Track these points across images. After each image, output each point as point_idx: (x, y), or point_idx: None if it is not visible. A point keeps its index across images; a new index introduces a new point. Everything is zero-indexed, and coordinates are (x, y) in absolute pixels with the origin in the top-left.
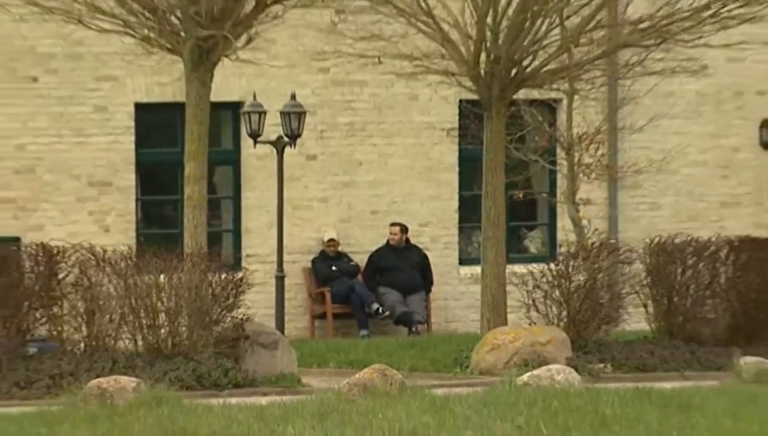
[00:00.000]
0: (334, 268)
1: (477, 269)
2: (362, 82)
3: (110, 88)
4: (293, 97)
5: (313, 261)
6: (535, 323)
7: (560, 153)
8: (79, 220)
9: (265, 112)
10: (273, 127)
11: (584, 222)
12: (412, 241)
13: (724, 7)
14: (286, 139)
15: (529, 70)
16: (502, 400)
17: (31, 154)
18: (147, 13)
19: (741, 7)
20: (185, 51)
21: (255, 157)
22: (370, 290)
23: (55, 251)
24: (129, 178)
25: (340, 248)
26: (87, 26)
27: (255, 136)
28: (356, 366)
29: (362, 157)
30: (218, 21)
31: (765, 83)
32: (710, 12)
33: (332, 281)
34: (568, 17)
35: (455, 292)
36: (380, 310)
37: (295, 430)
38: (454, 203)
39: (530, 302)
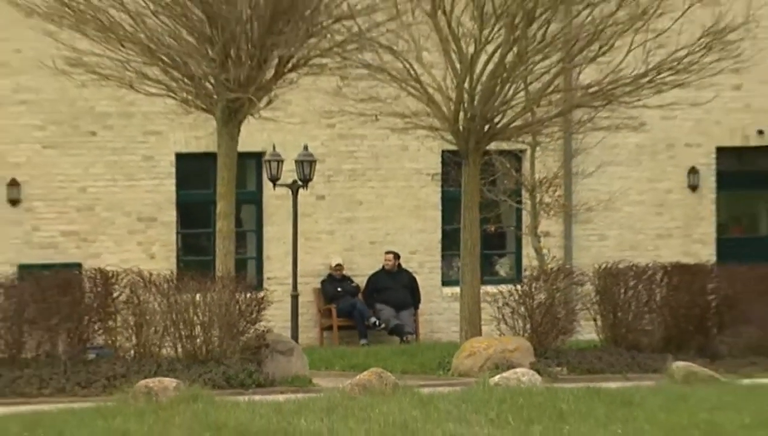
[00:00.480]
0: (339, 288)
1: (456, 290)
2: (362, 135)
3: (155, 140)
4: (306, 148)
5: (322, 283)
6: (504, 334)
7: (525, 194)
8: (130, 249)
9: (282, 161)
10: (289, 173)
11: (544, 251)
12: (403, 266)
13: (658, 75)
14: (299, 182)
15: (499, 126)
16: (478, 397)
17: (90, 195)
18: (186, 80)
19: (672, 75)
20: (217, 111)
21: (274, 198)
22: (369, 307)
23: (110, 275)
24: (171, 215)
25: (344, 272)
26: (137, 90)
27: (274, 180)
28: (357, 369)
29: (362, 197)
30: (244, 86)
31: (692, 137)
32: (647, 79)
33: (337, 299)
34: (530, 83)
35: (439, 308)
36: (377, 323)
37: (307, 422)
38: (438, 235)
39: (500, 316)
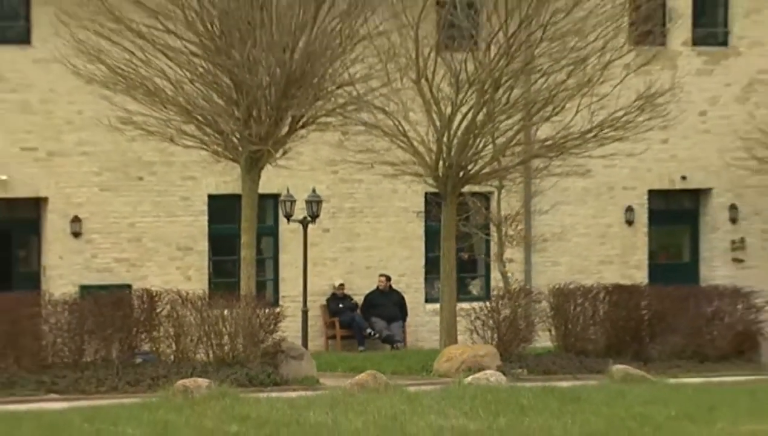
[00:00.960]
0: (341, 305)
1: (437, 306)
2: (360, 180)
3: (192, 184)
4: (314, 190)
5: (327, 300)
6: (475, 342)
7: (492, 228)
8: (171, 273)
9: (295, 201)
10: (300, 210)
11: (509, 274)
12: (394, 287)
13: (601, 131)
14: (309, 218)
15: (471, 172)
16: (454, 394)
17: (139, 228)
18: (216, 135)
19: (612, 131)
20: (241, 160)
21: (288, 231)
22: (365, 320)
23: (154, 294)
24: (204, 245)
25: (345, 291)
26: (176, 143)
27: (288, 216)
28: (356, 371)
29: (360, 230)
30: (264, 140)
31: (628, 182)
32: (592, 134)
33: (340, 313)
34: (497, 138)
35: (422, 321)
36: (372, 333)
37: (315, 415)
38: (422, 261)
39: (473, 328)
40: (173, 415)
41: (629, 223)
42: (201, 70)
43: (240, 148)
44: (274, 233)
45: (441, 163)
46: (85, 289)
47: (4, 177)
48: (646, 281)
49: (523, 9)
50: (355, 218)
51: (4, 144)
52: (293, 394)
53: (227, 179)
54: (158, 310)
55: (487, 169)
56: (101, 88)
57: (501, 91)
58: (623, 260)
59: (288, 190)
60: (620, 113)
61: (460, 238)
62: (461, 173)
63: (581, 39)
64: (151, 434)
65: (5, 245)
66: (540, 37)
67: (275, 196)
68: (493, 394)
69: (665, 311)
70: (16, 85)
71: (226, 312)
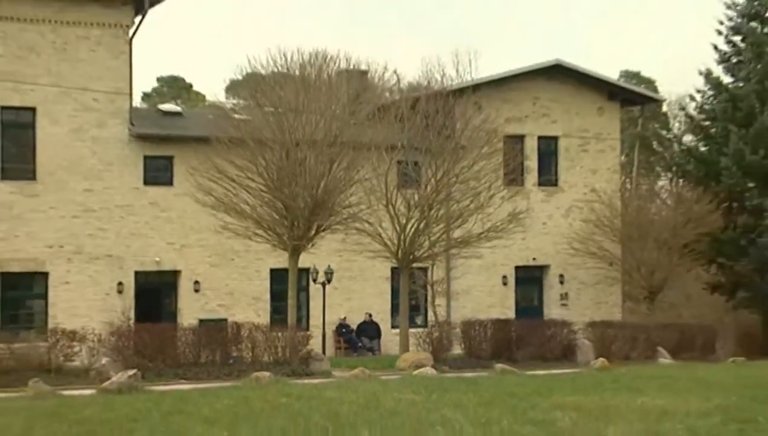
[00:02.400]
0: (344, 330)
1: (398, 330)
2: (354, 260)
3: (260, 263)
4: (329, 266)
5: (336, 327)
6: (419, 351)
7: (428, 287)
8: (249, 312)
9: (318, 272)
10: (321, 277)
11: (438, 313)
12: (374, 319)
13: (488, 233)
14: (326, 281)
15: (417, 256)
16: (407, 381)
17: (231, 287)
18: (275, 235)
19: (495, 233)
20: (289, 249)
21: (315, 289)
22: (358, 338)
23: (240, 324)
24: (267, 297)
25: (347, 322)
26: (252, 240)
27: (314, 280)
28: (352, 368)
29: (355, 288)
30: (301, 238)
31: (504, 261)
32: (484, 235)
33: (343, 335)
34: (431, 237)
35: (390, 339)
36: (361, 346)
37: (329, 392)
38: (389, 305)
39: (418, 343)
40: (250, 393)
41: (504, 284)
42: (266, 199)
43: (288, 243)
44: (306, 290)
45: (399, 251)
46: (201, 321)
47: (158, 259)
48: (514, 316)
49: (445, 166)
50: (352, 281)
51: (158, 240)
52: (316, 381)
53: (280, 260)
54: (242, 333)
55: (425, 254)
56: (211, 210)
57: (433, 211)
58: (501, 304)
59: (314, 266)
60: (499, 223)
61: (410, 292)
62: (411, 257)
63: (477, 182)
64: (238, 404)
65: (157, 297)
66: (454, 181)
67: (307, 269)
68: (429, 380)
69: (524, 334)
70: (164, 208)
71: (279, 334)
